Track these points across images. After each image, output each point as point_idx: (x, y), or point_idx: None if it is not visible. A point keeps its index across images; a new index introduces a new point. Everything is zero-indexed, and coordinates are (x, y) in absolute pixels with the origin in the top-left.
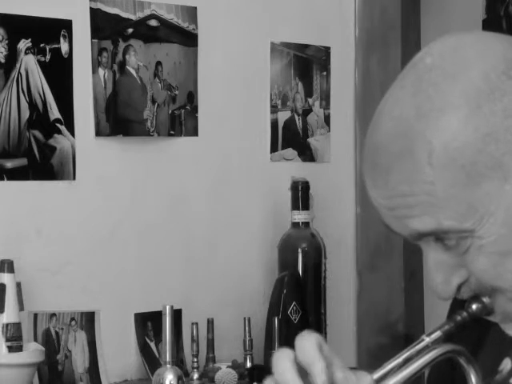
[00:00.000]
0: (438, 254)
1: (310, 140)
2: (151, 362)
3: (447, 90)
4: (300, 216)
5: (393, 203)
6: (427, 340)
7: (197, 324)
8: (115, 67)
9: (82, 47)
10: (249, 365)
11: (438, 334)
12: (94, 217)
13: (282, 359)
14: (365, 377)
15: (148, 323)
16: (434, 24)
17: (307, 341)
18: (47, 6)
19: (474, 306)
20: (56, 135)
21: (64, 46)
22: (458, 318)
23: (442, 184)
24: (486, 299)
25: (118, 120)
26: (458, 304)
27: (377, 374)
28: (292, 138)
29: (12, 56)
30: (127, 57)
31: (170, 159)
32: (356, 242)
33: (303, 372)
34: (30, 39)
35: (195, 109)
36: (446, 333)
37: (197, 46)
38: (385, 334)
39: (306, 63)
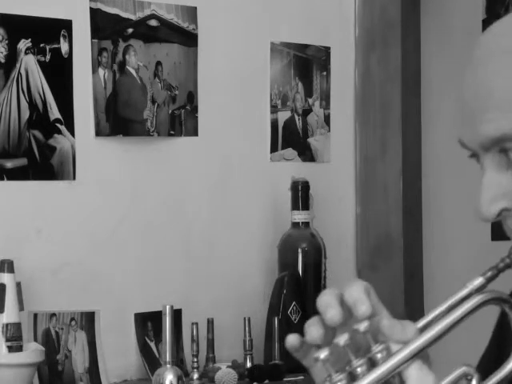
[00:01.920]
0: (498, 173)
1: (310, 140)
2: (151, 362)
3: None
4: (300, 216)
5: (474, 100)
6: (470, 287)
7: (197, 324)
8: (115, 67)
9: (81, 47)
10: (249, 365)
11: (481, 280)
12: (94, 217)
13: (327, 294)
14: (410, 326)
15: (148, 323)
16: (434, 24)
17: (356, 284)
18: (47, 6)
19: None
20: (56, 135)
21: (64, 46)
22: (501, 264)
23: None
24: None
25: (118, 120)
26: (504, 324)
27: (421, 323)
28: (292, 138)
29: (12, 56)
30: (127, 57)
31: (170, 159)
32: (356, 242)
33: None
34: (30, 39)
35: (195, 109)
36: (488, 279)
37: (197, 46)
38: None
39: (306, 63)
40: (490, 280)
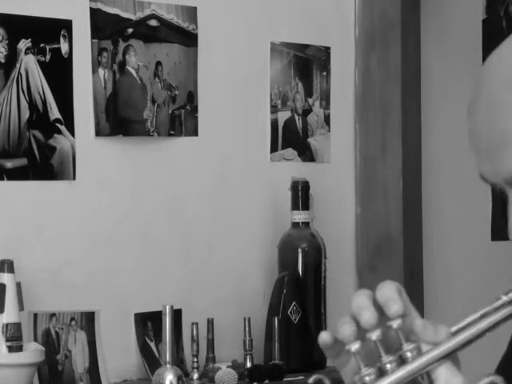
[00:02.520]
0: None
1: (310, 140)
2: (151, 362)
3: None
4: (300, 216)
5: (490, 139)
6: (504, 298)
7: (197, 324)
8: (115, 67)
9: (81, 47)
10: (249, 365)
11: None
12: (94, 217)
13: (359, 295)
14: (442, 328)
15: (148, 323)
16: (434, 24)
17: (388, 284)
18: (47, 6)
19: None
20: (56, 135)
21: (64, 46)
22: None
23: None
24: None
25: (118, 120)
26: None
27: (453, 328)
28: (292, 138)
29: (12, 56)
30: (127, 57)
31: (169, 159)
32: (356, 241)
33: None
34: (29, 39)
35: (195, 109)
36: None
37: (197, 46)
38: None
39: (306, 63)
40: None
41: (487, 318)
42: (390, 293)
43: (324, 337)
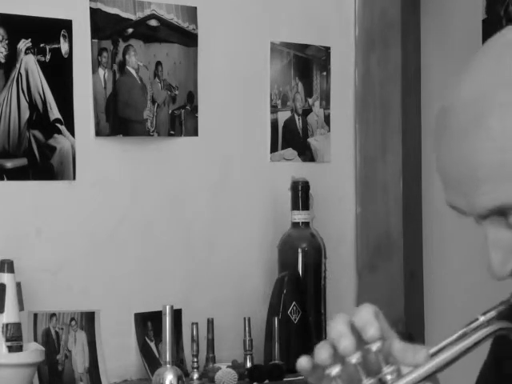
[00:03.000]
0: (499, 233)
1: (310, 140)
2: (151, 362)
3: None
4: (300, 216)
5: (461, 175)
6: (482, 319)
7: (197, 324)
8: (115, 67)
9: (82, 47)
10: (249, 365)
11: (492, 313)
12: (94, 217)
13: (337, 322)
14: (421, 350)
15: (148, 323)
16: (434, 24)
17: (365, 307)
18: (47, 6)
19: None
20: (56, 135)
21: (64, 46)
22: None
23: None
24: None
25: (118, 120)
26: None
27: (432, 349)
28: (292, 138)
29: (12, 56)
30: (127, 57)
31: (169, 159)
32: (356, 242)
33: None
34: (29, 39)
35: (195, 109)
36: (500, 313)
37: (197, 46)
38: None
39: (306, 63)
40: (501, 314)
41: (466, 339)
42: (367, 316)
43: (303, 362)
